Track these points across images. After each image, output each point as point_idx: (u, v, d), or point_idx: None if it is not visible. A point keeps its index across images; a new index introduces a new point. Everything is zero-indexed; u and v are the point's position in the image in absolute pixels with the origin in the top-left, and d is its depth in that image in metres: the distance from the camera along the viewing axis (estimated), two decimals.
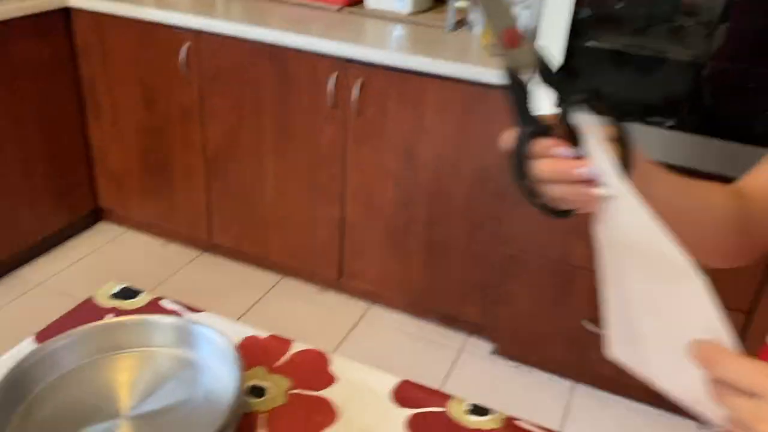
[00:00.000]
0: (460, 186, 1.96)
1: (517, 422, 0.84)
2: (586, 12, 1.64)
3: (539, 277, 1.91)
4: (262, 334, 0.97)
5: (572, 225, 1.79)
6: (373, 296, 2.34)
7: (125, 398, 0.82)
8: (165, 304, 1.01)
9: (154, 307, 1.01)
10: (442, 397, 0.87)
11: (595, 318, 1.87)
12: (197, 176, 2.36)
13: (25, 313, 2.19)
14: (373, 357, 2.07)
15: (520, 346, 2.09)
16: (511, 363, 2.12)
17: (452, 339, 2.21)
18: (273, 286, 2.41)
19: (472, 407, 0.86)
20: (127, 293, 1.03)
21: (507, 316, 2.02)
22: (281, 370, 0.91)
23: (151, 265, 2.48)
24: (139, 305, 1.01)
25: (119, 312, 1.00)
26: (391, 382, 0.90)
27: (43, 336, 0.95)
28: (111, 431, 0.78)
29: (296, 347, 0.95)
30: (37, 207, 2.36)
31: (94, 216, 2.67)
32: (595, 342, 1.89)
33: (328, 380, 0.89)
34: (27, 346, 0.93)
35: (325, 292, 2.38)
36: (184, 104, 2.24)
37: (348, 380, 0.90)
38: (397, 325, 2.26)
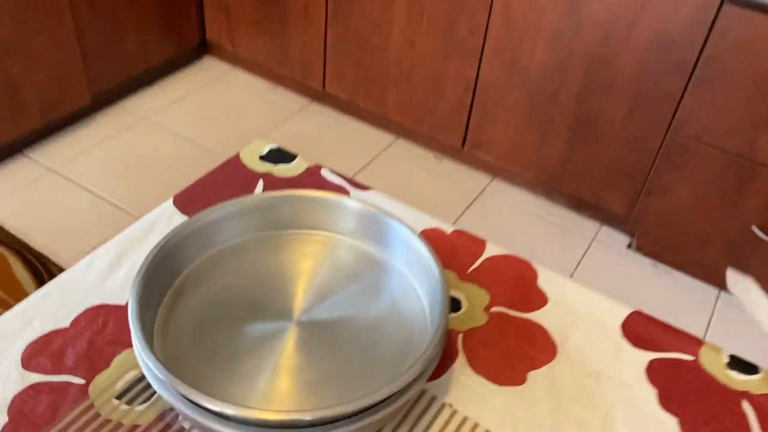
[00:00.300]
0: (632, 53, 1.64)
1: None
2: None
3: (710, 170, 1.63)
4: (447, 228, 0.78)
5: (766, 114, 1.47)
6: (497, 171, 2.11)
7: (298, 295, 0.66)
8: (327, 175, 0.82)
9: (313, 177, 0.82)
10: (690, 341, 0.67)
11: None
12: (316, 14, 2.10)
13: (135, 149, 2.08)
14: (494, 235, 1.89)
15: (663, 244, 1.85)
16: (648, 260, 1.90)
17: (583, 227, 1.99)
18: (387, 147, 2.21)
19: (730, 359, 0.66)
20: (279, 156, 0.85)
21: (657, 209, 1.77)
22: (476, 279, 0.72)
23: (257, 109, 2.31)
24: (295, 173, 0.82)
25: (273, 179, 0.82)
26: (621, 312, 0.70)
27: (184, 198, 0.78)
28: (278, 336, 0.62)
29: (491, 250, 0.76)
30: (143, 35, 2.18)
31: (201, 50, 2.49)
32: (760, 250, 1.64)
33: (539, 300, 0.70)
34: (168, 209, 0.77)
35: (442, 160, 2.17)
36: None
37: (563, 303, 0.70)
38: (522, 204, 2.05)
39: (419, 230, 0.76)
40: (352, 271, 0.68)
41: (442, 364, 0.62)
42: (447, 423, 0.58)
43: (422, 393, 0.60)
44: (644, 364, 0.64)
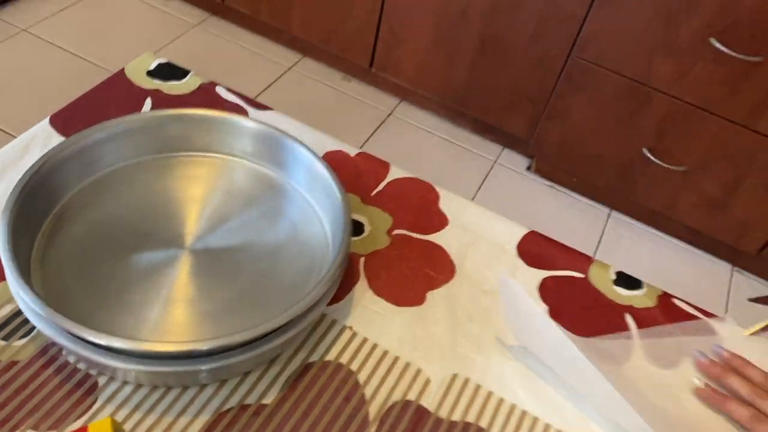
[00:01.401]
0: (520, 33, 1.63)
1: (675, 301, 0.68)
2: None
3: (608, 93, 1.68)
4: (351, 150, 0.76)
5: (663, 40, 1.52)
6: (405, 93, 2.09)
7: (190, 222, 0.62)
8: (222, 93, 0.77)
9: (207, 95, 0.77)
10: (581, 259, 0.70)
11: (659, 148, 1.69)
12: None
13: (13, 63, 1.90)
14: (400, 158, 1.89)
15: (560, 166, 1.92)
16: (546, 181, 1.97)
17: (487, 150, 2.03)
18: (292, 66, 2.13)
19: (617, 276, 0.69)
20: (170, 72, 0.79)
21: (556, 132, 1.82)
22: (379, 202, 0.71)
23: (149, 21, 2.15)
24: (186, 91, 0.77)
25: (162, 97, 0.76)
26: (517, 232, 0.71)
27: (61, 117, 0.72)
28: (170, 265, 0.59)
29: (395, 173, 0.75)
30: None
31: None
32: (649, 172, 1.73)
33: (439, 222, 0.70)
34: (44, 129, 0.71)
35: (350, 81, 2.12)
36: None
37: (463, 225, 0.71)
38: (429, 127, 2.05)
39: (322, 153, 0.74)
40: (249, 196, 0.65)
41: (343, 287, 0.62)
42: (346, 345, 0.58)
43: (322, 317, 0.60)
44: (537, 281, 0.67)
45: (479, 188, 1.90)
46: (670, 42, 1.51)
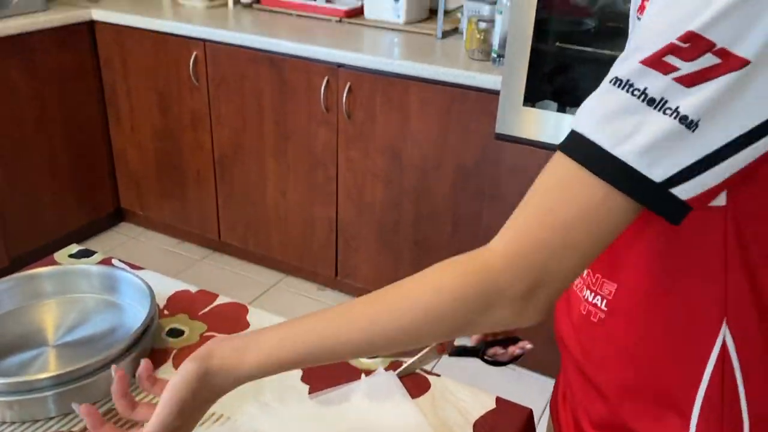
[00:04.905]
0: (443, 185, 2.04)
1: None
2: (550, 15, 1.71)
3: None
4: (193, 289, 1.07)
5: None
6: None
7: (51, 333, 0.93)
8: (116, 262, 1.12)
9: (106, 264, 1.12)
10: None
11: None
12: (207, 179, 2.51)
13: None
14: None
15: None
16: None
17: None
18: (275, 284, 2.52)
19: None
20: (85, 253, 1.15)
21: None
22: (202, 318, 1.00)
23: (165, 261, 2.63)
24: (93, 262, 1.13)
25: None
26: None
27: None
28: (38, 357, 0.89)
29: (221, 300, 1.05)
30: (59, 204, 2.55)
31: (117, 216, 2.86)
32: None
33: (242, 327, 0.98)
34: None
35: (324, 290, 2.47)
36: (195, 110, 2.40)
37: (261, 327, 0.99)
38: None
39: (170, 293, 1.05)
40: (94, 313, 0.96)
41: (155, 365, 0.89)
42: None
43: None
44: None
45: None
46: None
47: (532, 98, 1.77)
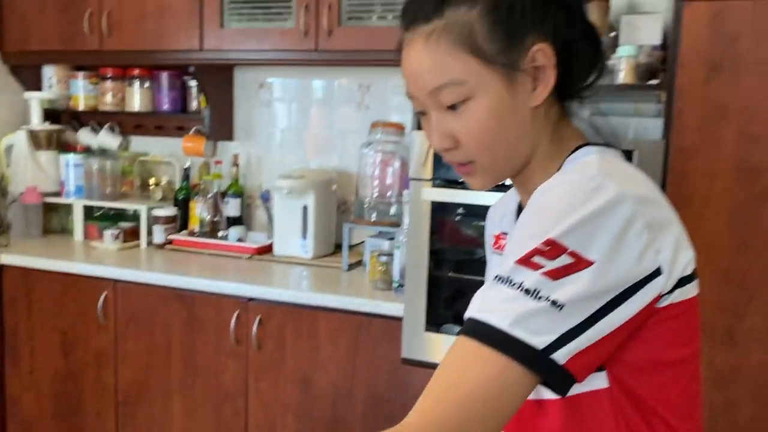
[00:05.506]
0: (354, 414, 2.03)
1: None
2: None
3: None
4: None
5: None
6: None
7: None
8: None
9: None
10: None
11: None
12: (108, 420, 2.37)
13: None
14: None
15: None
16: None
17: None
18: None
19: None
20: None
21: None
22: None
23: None
24: None
25: None
26: None
27: None
28: None
29: None
30: None
31: None
32: None
33: None
34: None
35: None
36: (100, 349, 2.35)
37: None
38: None
39: None
40: None
41: None
42: None
43: None
44: None
45: None
46: None
47: (434, 323, 1.88)
